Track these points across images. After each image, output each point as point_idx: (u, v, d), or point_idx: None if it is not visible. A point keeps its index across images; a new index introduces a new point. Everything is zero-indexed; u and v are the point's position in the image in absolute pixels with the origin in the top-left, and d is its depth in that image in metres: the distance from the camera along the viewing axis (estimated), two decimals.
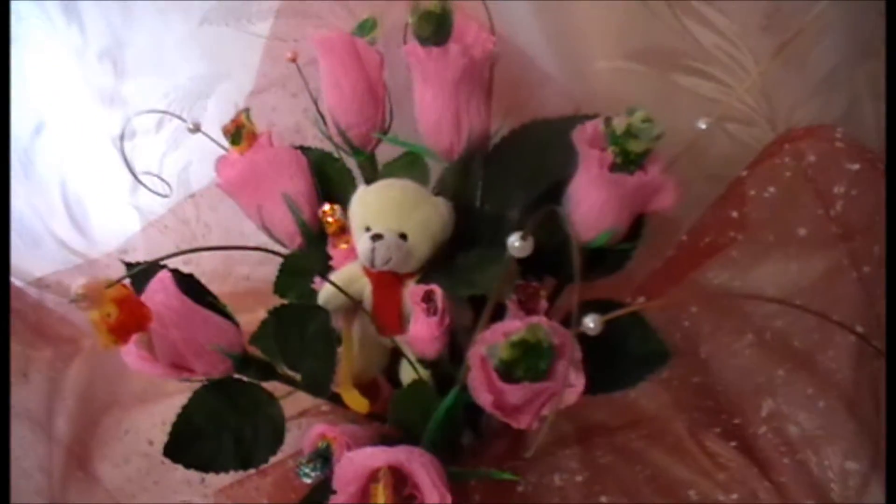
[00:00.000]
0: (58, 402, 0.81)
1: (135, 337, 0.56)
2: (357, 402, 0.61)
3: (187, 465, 0.63)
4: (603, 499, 0.59)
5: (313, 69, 0.66)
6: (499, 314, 0.59)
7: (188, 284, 0.59)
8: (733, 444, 0.62)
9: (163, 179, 0.73)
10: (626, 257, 0.61)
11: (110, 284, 0.51)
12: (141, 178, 0.73)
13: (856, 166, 0.55)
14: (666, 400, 0.68)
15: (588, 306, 0.49)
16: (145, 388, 0.83)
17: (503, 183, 0.62)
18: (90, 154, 0.85)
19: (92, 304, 0.47)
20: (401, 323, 0.59)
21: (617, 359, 0.59)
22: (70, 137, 0.85)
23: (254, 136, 0.64)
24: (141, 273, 0.58)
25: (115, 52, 0.80)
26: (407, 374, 0.62)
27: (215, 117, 0.64)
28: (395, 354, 0.65)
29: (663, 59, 0.69)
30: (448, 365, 0.57)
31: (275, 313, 0.59)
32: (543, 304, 0.58)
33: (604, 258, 0.60)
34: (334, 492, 0.49)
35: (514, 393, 0.51)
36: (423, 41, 0.54)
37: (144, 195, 0.83)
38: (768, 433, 0.60)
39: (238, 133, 0.63)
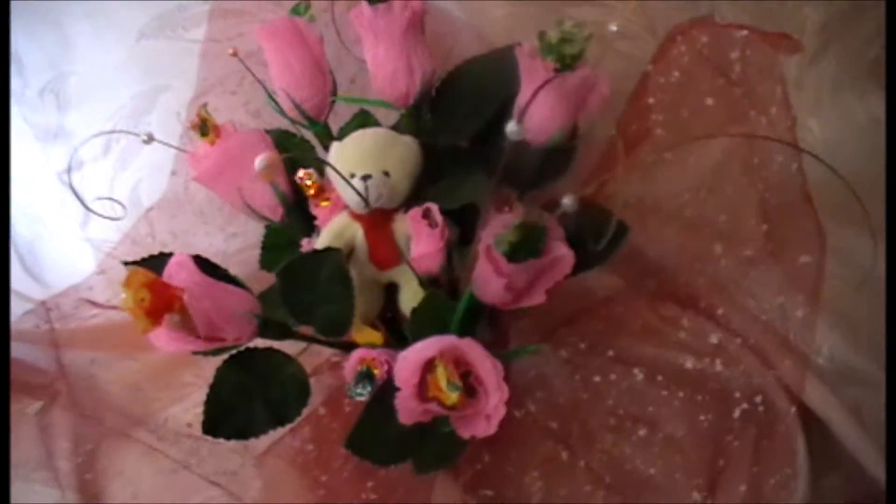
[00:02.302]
0: (53, 445, 0.82)
1: (166, 319, 0.60)
2: (371, 336, 0.68)
3: (227, 438, 0.67)
4: (610, 353, 0.68)
5: (251, 63, 0.72)
6: (471, 229, 0.68)
7: (200, 262, 0.64)
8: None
9: (115, 200, 0.76)
10: (570, 158, 0.70)
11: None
12: (92, 205, 0.76)
13: (743, 32, 0.66)
14: (618, 283, 0.78)
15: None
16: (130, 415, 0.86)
17: (451, 119, 0.70)
18: (36, 197, 0.86)
19: (274, 172, 0.52)
20: (397, 255, 0.67)
21: (583, 242, 0.68)
22: (16, 186, 0.86)
23: (217, 127, 0.69)
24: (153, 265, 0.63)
25: (56, 85, 0.82)
26: (407, 302, 0.69)
27: (160, 129, 0.68)
28: (388, 295, 0.72)
29: None
30: (450, 272, 0.65)
31: (286, 270, 0.64)
32: (517, 206, 0.67)
33: (552, 162, 0.69)
34: (398, 389, 0.56)
35: (521, 273, 0.59)
36: (372, 2, 0.62)
37: (96, 226, 0.86)
38: (716, 281, 0.70)
39: (205, 126, 0.68)
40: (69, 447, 0.83)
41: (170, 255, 0.65)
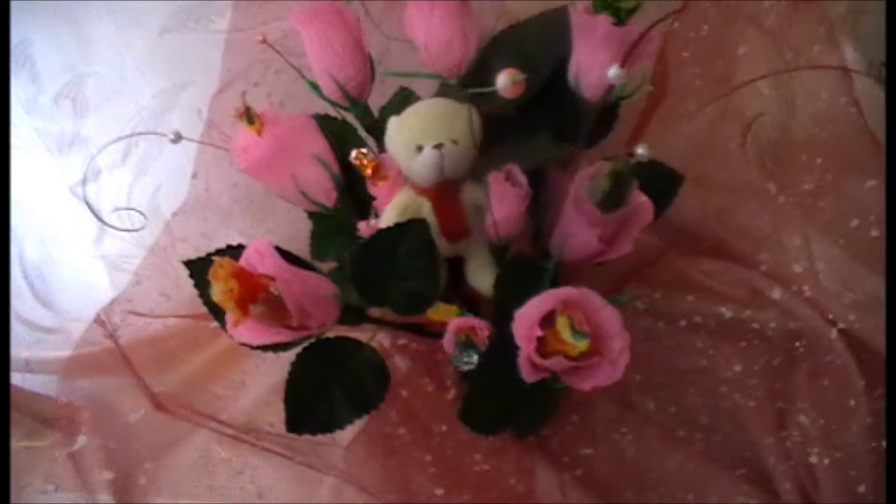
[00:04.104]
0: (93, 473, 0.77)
1: (251, 309, 0.58)
2: (446, 311, 0.67)
3: (312, 433, 0.65)
4: (690, 298, 0.69)
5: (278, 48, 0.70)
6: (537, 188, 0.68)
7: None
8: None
9: (136, 210, 0.73)
10: (615, 116, 0.71)
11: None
12: (109, 217, 0.72)
13: None
14: (656, 242, 0.80)
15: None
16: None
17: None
18: (47, 215, 0.81)
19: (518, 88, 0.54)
20: (466, 226, 0.66)
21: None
22: (23, 205, 0.81)
23: (259, 116, 0.67)
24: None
25: (73, 90, 0.77)
26: (475, 273, 0.68)
27: (181, 129, 0.65)
28: (453, 271, 0.71)
29: None
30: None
31: (359, 252, 0.62)
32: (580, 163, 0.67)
33: (601, 120, 0.70)
34: (518, 348, 0.55)
35: (611, 222, 0.60)
36: None
37: (112, 241, 0.81)
38: (779, 217, 0.72)
39: (250, 115, 0.66)
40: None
41: (238, 247, 0.63)
